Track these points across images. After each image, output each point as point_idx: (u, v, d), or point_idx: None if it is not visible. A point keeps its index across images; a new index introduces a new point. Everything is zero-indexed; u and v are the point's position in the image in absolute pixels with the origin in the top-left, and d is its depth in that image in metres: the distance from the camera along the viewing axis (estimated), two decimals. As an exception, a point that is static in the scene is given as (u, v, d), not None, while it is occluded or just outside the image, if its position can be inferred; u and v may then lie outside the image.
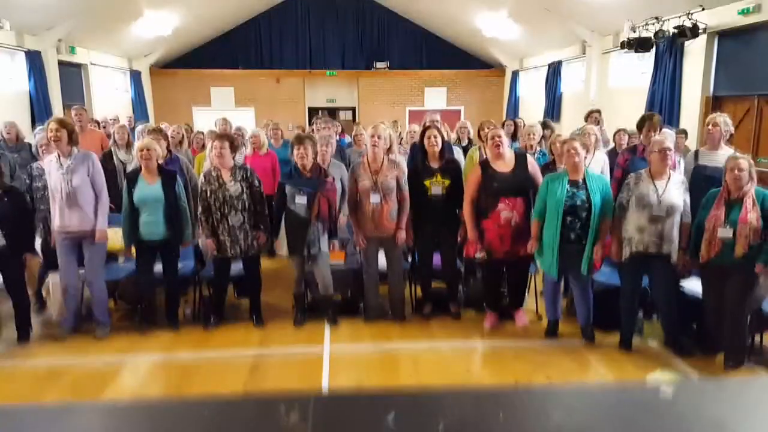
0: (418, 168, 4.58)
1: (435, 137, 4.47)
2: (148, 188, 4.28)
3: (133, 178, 4.33)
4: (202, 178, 4.45)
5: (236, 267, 4.62)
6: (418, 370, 3.89)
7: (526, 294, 4.83)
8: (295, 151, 4.35)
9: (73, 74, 10.83)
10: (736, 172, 3.59)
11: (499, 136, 4.32)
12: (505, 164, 4.32)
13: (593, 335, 4.24)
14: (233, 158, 4.44)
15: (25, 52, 9.10)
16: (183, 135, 6.17)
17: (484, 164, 4.35)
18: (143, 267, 4.44)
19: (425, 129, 4.64)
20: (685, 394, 1.16)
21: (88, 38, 10.77)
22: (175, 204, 4.34)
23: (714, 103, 7.75)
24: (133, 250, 4.46)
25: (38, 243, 4.71)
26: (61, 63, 10.00)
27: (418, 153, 4.83)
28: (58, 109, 9.48)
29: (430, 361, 4.05)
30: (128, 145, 5.96)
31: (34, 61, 9.22)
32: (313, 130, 7.34)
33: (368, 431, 1.03)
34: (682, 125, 7.70)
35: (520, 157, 4.40)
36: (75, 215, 4.17)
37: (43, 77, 9.37)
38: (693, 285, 4.13)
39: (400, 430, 1.01)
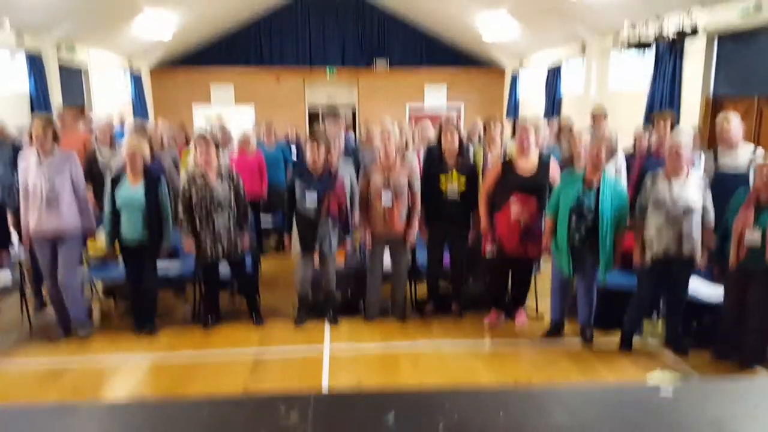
0: (434, 164, 4.57)
1: (452, 135, 4.47)
2: (131, 190, 4.26)
3: (117, 179, 4.30)
4: (185, 177, 4.42)
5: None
6: (418, 370, 3.89)
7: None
8: (309, 148, 4.36)
9: (73, 73, 10.82)
10: (766, 172, 3.51)
11: (527, 134, 4.31)
12: (528, 162, 4.32)
13: (592, 335, 4.25)
14: (218, 157, 4.44)
15: (25, 51, 9.09)
16: (162, 136, 6.12)
17: (508, 160, 4.36)
18: (130, 269, 4.42)
19: (442, 128, 4.63)
20: (685, 394, 1.16)
21: (88, 37, 10.76)
22: (155, 206, 4.30)
23: (714, 104, 7.75)
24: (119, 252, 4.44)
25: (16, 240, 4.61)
26: (61, 62, 9.99)
27: (434, 151, 4.80)
28: (58, 109, 9.47)
29: (431, 360, 4.05)
30: (111, 144, 5.91)
31: (34, 60, 9.21)
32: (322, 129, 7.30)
33: (368, 431, 1.03)
34: (683, 125, 7.69)
35: (545, 160, 4.39)
36: (53, 216, 4.09)
37: (42, 76, 9.36)
38: (693, 285, 4.12)
39: (400, 430, 1.01)
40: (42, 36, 9.32)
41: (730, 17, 7.09)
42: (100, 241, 4.60)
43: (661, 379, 3.57)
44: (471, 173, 4.54)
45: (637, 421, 1.06)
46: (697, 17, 7.44)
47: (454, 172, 4.46)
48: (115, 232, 4.30)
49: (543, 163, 4.34)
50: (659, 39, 8.03)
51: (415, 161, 4.96)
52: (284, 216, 5.05)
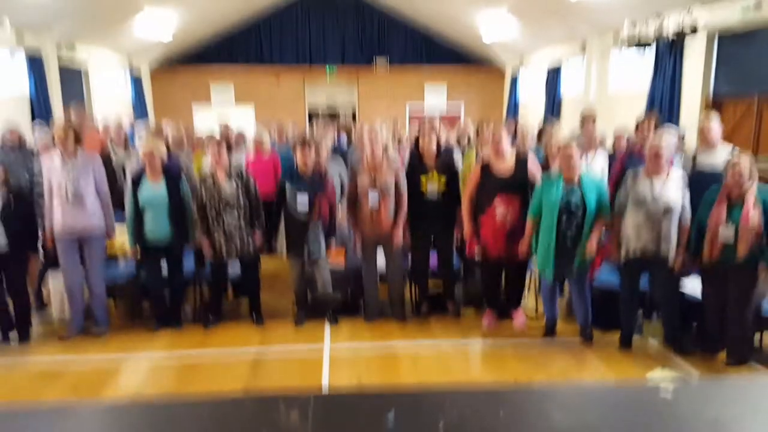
0: (414, 165, 4.58)
1: (430, 137, 4.48)
2: (153, 189, 4.28)
3: (137, 179, 4.33)
4: (198, 180, 4.46)
5: (235, 267, 4.62)
6: (418, 370, 3.89)
7: (526, 293, 4.84)
8: (299, 152, 4.37)
9: (73, 73, 10.81)
10: (736, 170, 3.58)
11: (500, 135, 4.33)
12: (505, 163, 4.33)
13: (592, 335, 4.25)
14: (229, 158, 4.45)
15: (25, 51, 9.09)
16: (183, 135, 6.17)
17: (485, 162, 4.37)
18: (150, 267, 4.43)
19: (420, 130, 4.66)
20: (685, 394, 1.16)
21: (88, 37, 10.75)
22: (180, 204, 4.34)
23: (714, 103, 7.74)
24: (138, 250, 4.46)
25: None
26: (61, 61, 9.98)
27: (414, 153, 4.83)
28: (58, 108, 9.47)
29: (430, 360, 4.05)
30: (125, 145, 5.94)
31: (34, 60, 9.21)
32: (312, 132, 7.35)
33: (368, 430, 1.03)
34: (682, 125, 7.69)
35: (521, 157, 4.40)
36: (79, 215, 4.17)
37: (42, 76, 9.35)
38: (693, 285, 4.13)
39: (400, 430, 1.01)
40: (42, 36, 9.31)
41: (731, 16, 7.09)
42: (118, 241, 4.63)
43: (661, 378, 3.57)
44: (451, 173, 4.55)
45: (637, 421, 1.06)
46: (697, 16, 7.44)
47: (434, 173, 4.47)
48: (138, 233, 4.32)
49: (520, 160, 4.35)
50: (659, 38, 8.03)
51: (399, 161, 4.98)
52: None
